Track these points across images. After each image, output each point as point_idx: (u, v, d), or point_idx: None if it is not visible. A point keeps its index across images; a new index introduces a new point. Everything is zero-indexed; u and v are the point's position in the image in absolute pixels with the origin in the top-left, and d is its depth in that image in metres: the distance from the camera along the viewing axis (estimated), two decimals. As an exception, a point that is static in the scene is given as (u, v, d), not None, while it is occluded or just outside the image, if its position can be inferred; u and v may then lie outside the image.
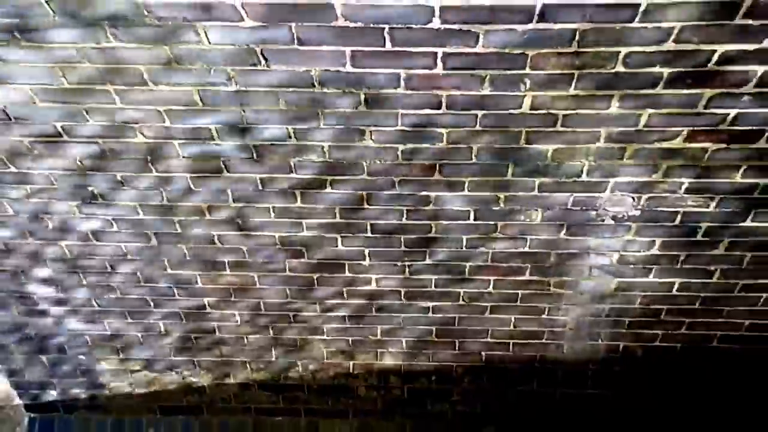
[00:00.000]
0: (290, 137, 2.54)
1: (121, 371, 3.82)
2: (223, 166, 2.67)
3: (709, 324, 3.25)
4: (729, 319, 3.21)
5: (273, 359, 3.66)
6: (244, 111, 2.44)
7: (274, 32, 2.15)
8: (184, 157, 2.63)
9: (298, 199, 2.79)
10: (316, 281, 3.20)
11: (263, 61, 2.25)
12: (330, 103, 2.39)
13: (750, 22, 2.02)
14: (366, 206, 2.81)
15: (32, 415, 4.11)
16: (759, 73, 2.18)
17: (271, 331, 3.49)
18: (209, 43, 2.20)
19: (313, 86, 2.33)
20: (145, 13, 2.11)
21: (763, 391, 3.58)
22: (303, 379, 3.77)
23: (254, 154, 2.61)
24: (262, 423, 4.02)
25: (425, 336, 3.47)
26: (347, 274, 3.15)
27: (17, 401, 4.03)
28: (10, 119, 2.51)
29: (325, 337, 3.52)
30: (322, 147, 2.57)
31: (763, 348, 3.34)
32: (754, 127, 2.37)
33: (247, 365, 3.71)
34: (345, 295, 3.26)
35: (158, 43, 2.21)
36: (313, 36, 2.15)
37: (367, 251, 3.03)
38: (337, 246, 3.01)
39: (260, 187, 2.75)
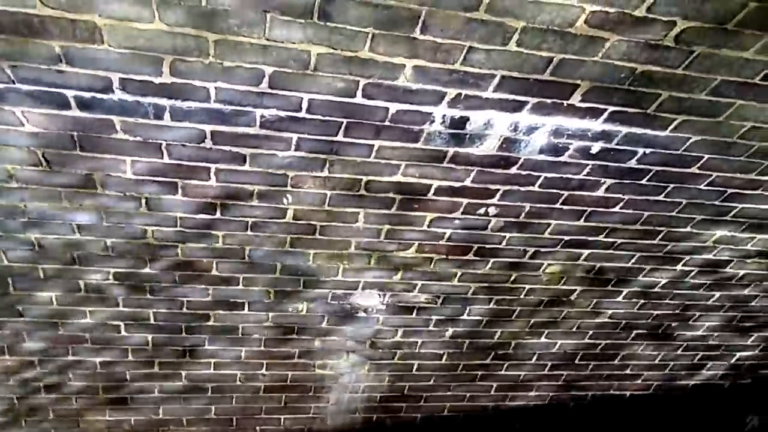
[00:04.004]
0: (74, 232, 2.29)
1: None
2: (3, 255, 2.33)
3: (440, 397, 3.35)
4: (455, 393, 3.34)
5: (51, 441, 3.16)
6: (25, 206, 2.16)
7: (55, 139, 1.95)
8: (-40, 245, 2.27)
9: (82, 287, 2.50)
10: (99, 365, 2.85)
11: (44, 163, 2.02)
12: (111, 205, 2.20)
13: (454, 165, 2.20)
14: (148, 296, 2.59)
15: None
16: (464, 204, 2.37)
17: (50, 413, 3.02)
18: (-11, 141, 1.95)
19: (95, 188, 2.13)
20: None
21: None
22: (82, 459, 3.28)
23: (36, 246, 2.31)
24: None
25: (205, 414, 3.20)
26: (130, 358, 2.84)
27: None
28: None
29: (108, 417, 3.11)
30: (105, 242, 2.34)
31: (481, 415, 3.50)
32: (464, 244, 2.56)
33: (23, 448, 3.16)
34: (128, 377, 2.93)
35: (-67, 137, 1.92)
36: (95, 144, 1.99)
37: (149, 337, 2.76)
38: (120, 332, 2.72)
39: (41, 276, 2.43)
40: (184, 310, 2.67)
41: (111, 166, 2.06)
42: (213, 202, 2.25)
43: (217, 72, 1.80)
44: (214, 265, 2.50)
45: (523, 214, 2.47)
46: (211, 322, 2.75)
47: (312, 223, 2.39)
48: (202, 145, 2.03)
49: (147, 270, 2.48)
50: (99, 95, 1.83)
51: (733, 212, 2.57)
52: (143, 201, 2.21)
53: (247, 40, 1.72)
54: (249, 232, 2.39)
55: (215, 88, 1.84)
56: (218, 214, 2.30)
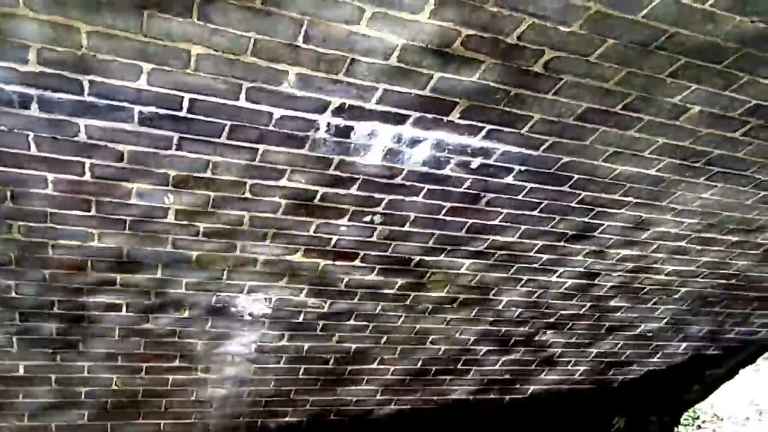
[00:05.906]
0: (-73, 224, 2.12)
1: None
2: None
3: (327, 401, 3.37)
4: (341, 397, 3.38)
5: None
6: None
7: None
8: None
9: (-64, 285, 2.32)
10: (-45, 368, 2.64)
11: None
12: (-28, 196, 2.06)
13: (340, 173, 2.23)
14: (14, 294, 2.43)
15: None
16: (350, 211, 2.41)
17: None
18: None
19: (-48, 178, 1.99)
20: None
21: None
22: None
23: None
24: None
25: (77, 420, 3.04)
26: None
27: None
28: None
29: (-36, 424, 2.89)
30: (-36, 236, 2.18)
31: (366, 418, 3.56)
32: (350, 250, 2.60)
33: None
34: (-11, 381, 2.74)
35: None
36: (-49, 131, 1.85)
37: (14, 339, 2.60)
38: (-19, 333, 2.54)
39: None
40: (55, 310, 2.54)
41: (-29, 155, 1.93)
42: (88, 198, 2.15)
43: (91, 64, 1.73)
44: (89, 264, 2.39)
45: (408, 224, 2.54)
46: (85, 324, 2.62)
47: (195, 224, 2.34)
48: (75, 138, 1.94)
49: (12, 267, 2.33)
50: (-45, 79, 1.71)
51: (600, 229, 2.78)
52: (8, 194, 2.08)
53: (124, 35, 1.66)
54: (127, 231, 2.30)
55: (89, 81, 1.77)
56: (93, 212, 2.20)
